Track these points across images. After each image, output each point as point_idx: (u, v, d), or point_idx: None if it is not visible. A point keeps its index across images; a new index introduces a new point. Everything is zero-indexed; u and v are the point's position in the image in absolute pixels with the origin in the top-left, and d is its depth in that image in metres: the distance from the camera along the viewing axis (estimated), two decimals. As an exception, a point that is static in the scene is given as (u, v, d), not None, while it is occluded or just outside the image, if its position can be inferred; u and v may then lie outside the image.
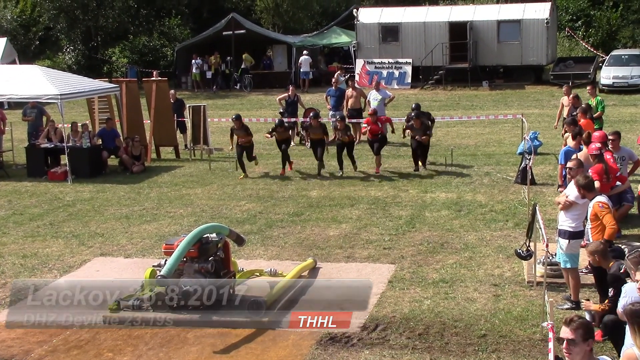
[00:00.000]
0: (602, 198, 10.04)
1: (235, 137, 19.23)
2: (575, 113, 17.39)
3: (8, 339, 9.78)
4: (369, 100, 23.54)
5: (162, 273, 9.72)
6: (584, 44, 45.30)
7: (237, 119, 19.18)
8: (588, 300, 9.27)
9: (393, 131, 21.29)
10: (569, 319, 5.79)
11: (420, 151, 19.16)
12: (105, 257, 11.47)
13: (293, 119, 23.82)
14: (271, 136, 19.82)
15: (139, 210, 16.20)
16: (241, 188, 18.08)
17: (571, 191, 10.14)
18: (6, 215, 16.25)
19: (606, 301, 8.69)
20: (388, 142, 22.91)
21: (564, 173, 13.05)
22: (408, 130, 19.10)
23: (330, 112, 23.92)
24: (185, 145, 23.33)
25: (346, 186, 17.84)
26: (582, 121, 16.06)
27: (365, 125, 19.30)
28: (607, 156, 12.69)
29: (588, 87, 20.57)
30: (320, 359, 8.85)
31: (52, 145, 20.72)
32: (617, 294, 8.28)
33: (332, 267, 12.10)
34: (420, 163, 19.23)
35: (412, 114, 19.15)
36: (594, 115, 18.25)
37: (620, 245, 10.30)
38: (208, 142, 22.65)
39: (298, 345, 9.28)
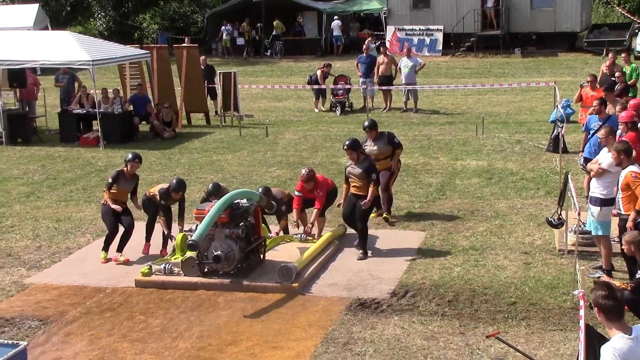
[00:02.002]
0: (635, 168, 9.78)
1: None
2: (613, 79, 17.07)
3: (44, 301, 9.95)
4: (400, 67, 23.43)
5: (193, 238, 9.80)
6: (619, 9, 44.48)
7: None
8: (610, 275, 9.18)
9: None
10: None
11: (356, 216, 11.24)
12: (137, 221, 11.57)
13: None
14: None
15: (170, 176, 16.26)
16: (271, 155, 18.12)
17: (604, 158, 10.02)
18: (40, 179, 16.45)
19: (630, 282, 8.51)
20: (418, 110, 22.83)
21: (593, 139, 12.81)
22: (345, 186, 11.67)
23: (361, 79, 23.85)
24: (216, 112, 23.38)
25: (376, 153, 17.77)
26: (592, 93, 15.82)
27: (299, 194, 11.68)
28: None
29: (623, 54, 20.24)
30: (350, 324, 8.90)
31: (84, 111, 20.88)
32: None
33: (361, 234, 12.10)
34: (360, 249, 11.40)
35: (346, 143, 11.30)
36: (629, 83, 17.98)
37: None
38: (238, 108, 22.67)
39: (328, 310, 9.33)
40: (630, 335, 5.23)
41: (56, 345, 8.67)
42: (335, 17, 39.92)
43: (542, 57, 36.05)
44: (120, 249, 11.20)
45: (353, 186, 11.34)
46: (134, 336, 8.83)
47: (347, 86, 23.90)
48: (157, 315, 9.38)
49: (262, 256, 10.83)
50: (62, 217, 13.63)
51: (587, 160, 12.07)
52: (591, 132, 12.84)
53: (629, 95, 16.65)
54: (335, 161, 17.07)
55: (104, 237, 11.36)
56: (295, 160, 17.35)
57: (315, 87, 24.11)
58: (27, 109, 22.22)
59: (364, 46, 25.15)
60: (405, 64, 23.20)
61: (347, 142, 11.29)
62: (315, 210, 11.46)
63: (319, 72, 24.19)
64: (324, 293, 9.84)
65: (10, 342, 6.98)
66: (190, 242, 9.84)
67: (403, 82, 23.31)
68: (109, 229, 11.25)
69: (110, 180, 11.40)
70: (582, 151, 13.08)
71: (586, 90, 16.10)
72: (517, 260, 10.77)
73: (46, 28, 34.85)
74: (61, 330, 9.06)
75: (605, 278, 8.91)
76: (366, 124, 12.46)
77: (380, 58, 23.91)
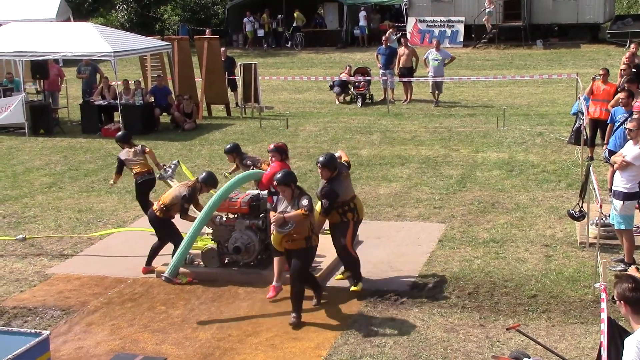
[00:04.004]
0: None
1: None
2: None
3: (66, 291, 10.03)
4: (427, 60, 23.14)
5: (166, 274, 9.58)
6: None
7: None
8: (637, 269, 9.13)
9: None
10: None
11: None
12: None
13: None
14: None
15: (191, 167, 16.32)
16: (292, 146, 18.04)
17: (629, 151, 9.94)
18: (62, 170, 16.57)
19: None
20: (439, 103, 22.73)
21: (618, 132, 12.72)
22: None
23: (381, 71, 23.78)
24: (236, 103, 23.41)
25: (397, 145, 17.76)
26: (604, 87, 15.66)
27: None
28: None
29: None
30: (370, 316, 8.91)
31: (106, 103, 21.01)
32: None
33: (382, 226, 12.11)
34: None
35: (278, 177, 8.93)
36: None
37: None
38: (259, 100, 22.69)
39: (348, 302, 9.34)
40: None
41: (78, 334, 8.75)
42: (362, 7, 39.84)
43: (564, 48, 35.76)
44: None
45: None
46: (155, 326, 8.88)
47: (368, 78, 23.86)
48: (177, 306, 9.43)
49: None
50: (83, 208, 13.73)
51: (611, 152, 11.98)
52: (616, 124, 12.73)
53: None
54: (355, 153, 17.05)
55: (151, 249, 10.53)
56: (316, 152, 17.33)
57: (337, 88, 24.17)
58: (51, 100, 22.41)
59: (384, 37, 25.07)
60: (434, 56, 22.89)
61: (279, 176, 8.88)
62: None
63: (343, 76, 24.26)
64: (344, 285, 9.84)
65: (33, 331, 7.06)
66: (164, 277, 9.63)
67: (431, 74, 23.02)
68: (176, 242, 10.17)
69: (187, 199, 10.16)
70: (607, 144, 12.99)
71: (597, 83, 15.96)
72: (538, 252, 10.72)
73: (68, 20, 34.98)
74: (83, 320, 9.14)
75: (632, 271, 8.84)
76: (320, 159, 9.47)
77: (401, 49, 23.81)
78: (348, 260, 9.62)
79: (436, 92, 22.98)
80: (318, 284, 9.41)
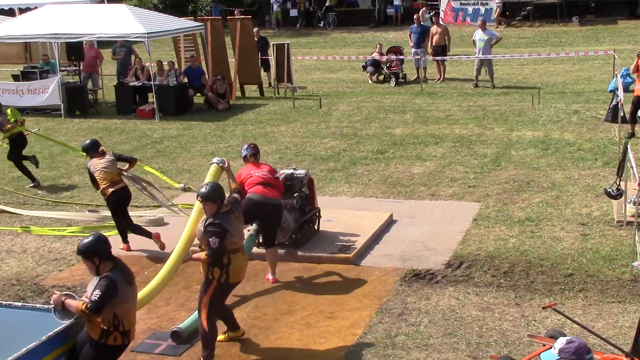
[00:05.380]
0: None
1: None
2: None
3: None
4: (474, 40, 22.69)
5: (180, 327, 8.17)
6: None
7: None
8: None
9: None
10: None
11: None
12: (192, 193, 11.71)
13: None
14: None
15: (225, 147, 16.43)
16: (325, 126, 18.11)
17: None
18: (97, 151, 16.70)
19: None
20: (494, 85, 22.25)
21: None
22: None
23: (413, 50, 23.62)
24: (270, 84, 23.42)
25: (430, 124, 17.68)
26: None
27: None
28: None
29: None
30: (405, 295, 8.91)
31: (140, 84, 21.13)
32: None
33: (416, 205, 12.08)
34: None
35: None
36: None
37: None
38: (292, 80, 22.67)
39: (382, 281, 9.35)
40: None
41: (116, 313, 8.84)
42: None
43: (600, 25, 35.23)
44: None
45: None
46: (191, 305, 8.95)
47: (400, 57, 23.72)
48: (213, 285, 9.47)
49: (316, 227, 10.87)
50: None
51: None
52: None
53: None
54: (389, 132, 17.01)
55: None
56: (349, 132, 17.32)
57: (370, 67, 24.05)
58: (90, 81, 22.61)
59: (416, 16, 24.88)
60: (480, 37, 22.17)
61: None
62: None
63: (374, 55, 24.12)
64: (379, 264, 9.86)
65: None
66: (174, 330, 8.21)
67: (478, 55, 22.52)
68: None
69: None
70: None
71: None
72: (574, 231, 10.63)
73: (102, 1, 35.17)
74: (120, 298, 9.23)
75: None
76: (202, 190, 7.64)
77: (434, 28, 23.61)
78: (200, 328, 7.64)
79: (485, 75, 22.31)
80: None
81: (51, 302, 6.35)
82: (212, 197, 7.49)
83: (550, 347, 4.35)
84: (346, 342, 7.87)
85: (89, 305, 6.10)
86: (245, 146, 9.96)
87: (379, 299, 8.83)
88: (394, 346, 7.71)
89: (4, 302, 7.03)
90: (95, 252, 6.35)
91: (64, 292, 6.40)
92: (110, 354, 6.39)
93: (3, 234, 11.62)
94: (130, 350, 7.83)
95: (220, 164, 8.77)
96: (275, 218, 9.48)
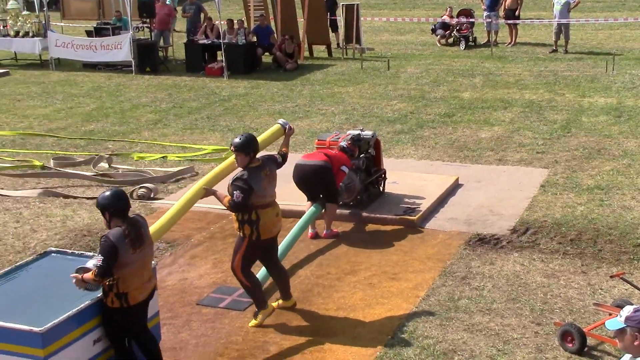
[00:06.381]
0: None
1: None
2: None
3: (170, 224, 10.31)
4: (553, 4, 22.19)
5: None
6: None
7: None
8: None
9: None
10: None
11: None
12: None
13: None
14: None
15: (292, 107, 16.48)
16: (392, 88, 18.01)
17: None
18: (167, 107, 16.95)
19: None
20: (568, 51, 22.00)
21: None
22: None
23: (485, 13, 23.22)
24: (338, 44, 23.34)
25: (499, 88, 17.42)
26: None
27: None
28: None
29: None
30: (469, 259, 8.86)
31: (209, 42, 21.27)
32: None
33: (483, 169, 11.97)
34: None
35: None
36: None
37: None
38: (360, 41, 22.55)
39: (446, 244, 9.32)
40: None
41: (182, 266, 9.03)
42: None
43: (682, -11, 34.08)
44: None
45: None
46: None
47: (471, 20, 23.37)
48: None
49: (381, 188, 10.87)
50: (187, 144, 14.03)
51: None
52: None
53: None
54: (457, 95, 16.82)
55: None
56: (417, 94, 17.19)
57: (439, 30, 23.75)
58: (162, 38, 22.86)
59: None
60: (557, 0, 21.97)
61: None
62: None
63: (444, 17, 23.80)
64: (443, 227, 9.82)
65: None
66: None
67: (555, 19, 22.03)
68: None
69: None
70: None
71: None
72: (645, 201, 10.42)
73: (173, -41, 35.44)
74: (187, 252, 9.42)
75: None
76: (236, 140, 7.37)
77: (507, -9, 23.17)
78: (241, 284, 7.68)
79: (562, 37, 21.75)
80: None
81: (76, 286, 6.16)
82: (245, 148, 7.28)
83: (616, 316, 4.28)
84: (409, 303, 7.88)
85: (96, 272, 6.03)
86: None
87: (442, 262, 8.81)
88: (457, 309, 7.70)
89: (77, 252, 7.21)
90: (106, 207, 6.16)
91: (77, 269, 6.21)
92: (111, 314, 6.20)
93: (75, 186, 11.91)
94: (195, 303, 8.01)
95: (284, 126, 8.81)
96: (317, 178, 9.48)
